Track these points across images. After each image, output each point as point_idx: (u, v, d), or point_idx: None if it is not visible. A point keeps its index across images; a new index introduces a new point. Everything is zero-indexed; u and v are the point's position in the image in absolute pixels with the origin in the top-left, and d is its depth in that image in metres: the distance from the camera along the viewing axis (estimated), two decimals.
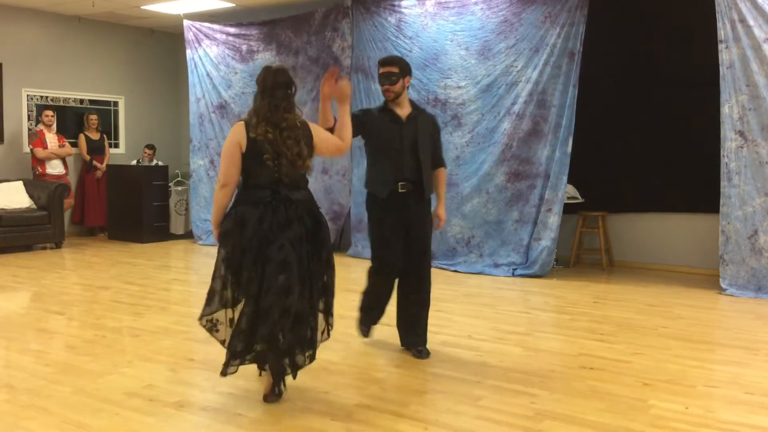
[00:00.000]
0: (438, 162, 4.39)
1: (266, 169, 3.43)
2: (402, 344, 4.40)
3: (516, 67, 7.28)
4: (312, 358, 3.57)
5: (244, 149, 3.45)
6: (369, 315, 4.51)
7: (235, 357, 3.44)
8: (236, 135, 3.47)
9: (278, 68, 3.56)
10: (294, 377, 3.53)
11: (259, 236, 3.39)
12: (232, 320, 3.44)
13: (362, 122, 4.19)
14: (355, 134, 4.20)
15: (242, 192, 3.53)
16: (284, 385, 3.58)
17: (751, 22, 6.08)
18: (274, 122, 3.43)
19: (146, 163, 10.16)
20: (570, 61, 7.00)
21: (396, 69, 4.21)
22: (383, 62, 4.29)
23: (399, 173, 4.18)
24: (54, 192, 8.84)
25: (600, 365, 4.12)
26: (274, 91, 3.46)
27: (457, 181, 7.54)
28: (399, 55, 7.76)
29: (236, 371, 3.49)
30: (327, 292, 3.60)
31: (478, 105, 7.49)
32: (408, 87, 4.30)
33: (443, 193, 4.45)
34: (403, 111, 4.26)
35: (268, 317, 3.35)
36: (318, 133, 3.64)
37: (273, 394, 3.53)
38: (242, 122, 3.50)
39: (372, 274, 4.39)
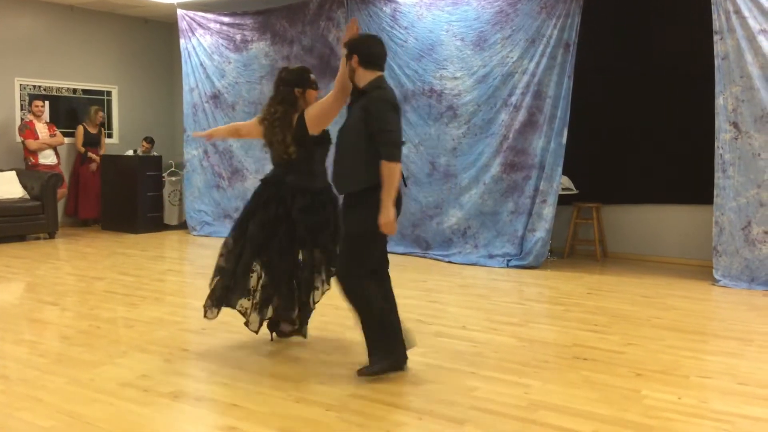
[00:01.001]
0: (382, 154, 3.42)
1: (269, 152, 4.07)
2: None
3: (512, 58, 7.26)
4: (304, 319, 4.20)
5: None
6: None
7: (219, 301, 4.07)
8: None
9: (291, 69, 4.07)
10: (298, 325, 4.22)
11: (250, 211, 3.99)
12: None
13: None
14: None
15: None
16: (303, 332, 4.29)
17: (746, 13, 6.08)
18: (270, 113, 3.95)
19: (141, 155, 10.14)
20: (565, 52, 6.99)
21: (345, 52, 3.63)
22: None
23: (331, 169, 3.75)
24: (47, 182, 8.81)
25: (593, 356, 4.14)
26: (278, 87, 3.99)
27: (455, 172, 7.55)
28: (392, 45, 7.77)
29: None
30: (313, 265, 4.02)
31: (473, 96, 7.47)
32: (358, 67, 3.55)
33: (386, 195, 3.41)
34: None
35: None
36: (310, 115, 3.91)
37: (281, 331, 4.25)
38: None
39: None
